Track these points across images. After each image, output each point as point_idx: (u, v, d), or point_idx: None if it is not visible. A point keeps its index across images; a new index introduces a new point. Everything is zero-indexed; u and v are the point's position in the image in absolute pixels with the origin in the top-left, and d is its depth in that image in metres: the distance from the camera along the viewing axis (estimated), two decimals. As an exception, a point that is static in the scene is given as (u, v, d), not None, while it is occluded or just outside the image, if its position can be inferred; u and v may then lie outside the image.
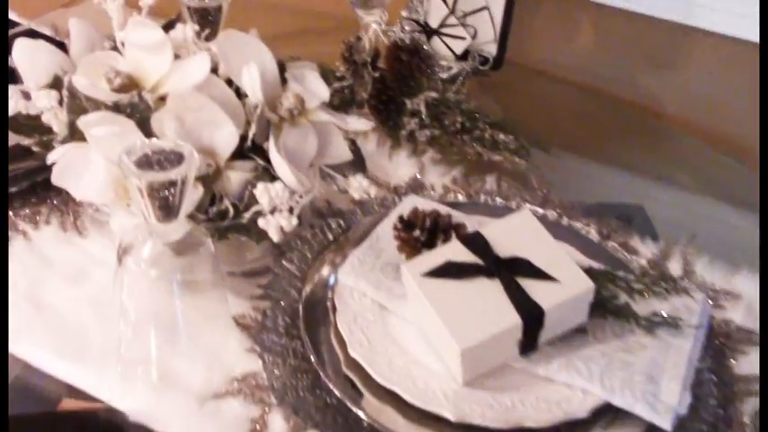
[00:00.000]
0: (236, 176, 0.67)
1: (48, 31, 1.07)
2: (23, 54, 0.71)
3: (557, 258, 0.62)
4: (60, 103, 0.67)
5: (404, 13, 0.98)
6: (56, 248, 0.74)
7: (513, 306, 0.59)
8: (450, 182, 0.85)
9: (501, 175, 0.86)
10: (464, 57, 0.96)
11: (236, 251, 0.72)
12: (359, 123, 0.73)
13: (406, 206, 0.74)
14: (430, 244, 0.65)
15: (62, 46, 0.82)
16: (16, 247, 0.74)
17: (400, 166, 0.88)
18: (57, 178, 0.65)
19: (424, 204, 0.73)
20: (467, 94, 0.96)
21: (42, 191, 0.81)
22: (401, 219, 0.67)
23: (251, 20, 0.95)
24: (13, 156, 0.78)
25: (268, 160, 0.67)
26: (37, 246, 0.75)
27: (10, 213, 0.78)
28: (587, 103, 1.05)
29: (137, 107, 0.66)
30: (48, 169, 0.68)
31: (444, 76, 0.96)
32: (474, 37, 0.94)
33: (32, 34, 0.86)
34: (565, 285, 0.60)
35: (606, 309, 0.64)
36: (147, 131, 0.65)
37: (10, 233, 0.76)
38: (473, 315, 0.59)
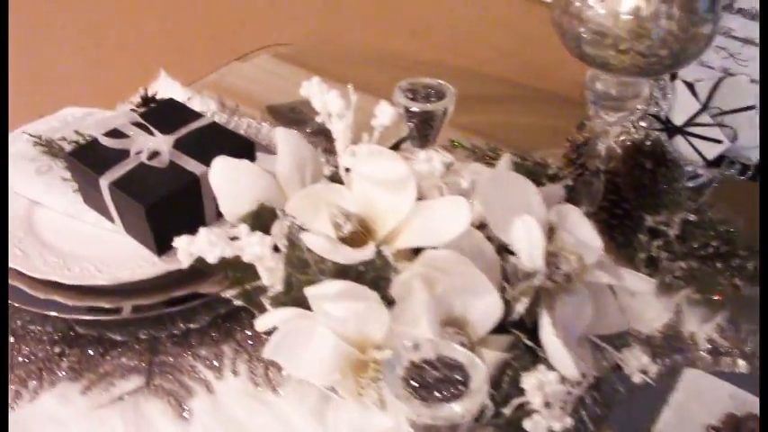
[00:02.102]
0: (491, 357, 0.52)
1: (211, 104, 0.95)
2: (223, 178, 0.58)
3: None
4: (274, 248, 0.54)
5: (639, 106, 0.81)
6: (247, 411, 0.61)
7: None
8: (716, 331, 0.68)
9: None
10: (716, 163, 0.78)
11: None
12: (640, 282, 0.56)
13: (689, 390, 0.58)
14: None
15: (246, 142, 0.70)
16: (199, 404, 0.61)
17: (648, 307, 0.71)
18: (272, 352, 0.51)
19: (716, 387, 0.57)
20: (711, 207, 0.79)
21: (224, 322, 0.68)
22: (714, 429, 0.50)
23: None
24: (186, 279, 0.66)
25: (531, 335, 0.52)
26: (223, 404, 0.62)
27: (187, 354, 0.65)
28: None
29: (372, 264, 0.51)
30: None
31: (689, 184, 0.79)
32: (733, 140, 0.77)
33: (216, 129, 0.73)
34: None
35: None
36: (382, 293, 0.51)
37: (191, 383, 0.63)
38: None
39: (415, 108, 0.65)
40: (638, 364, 0.55)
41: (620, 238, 0.77)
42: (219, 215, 0.70)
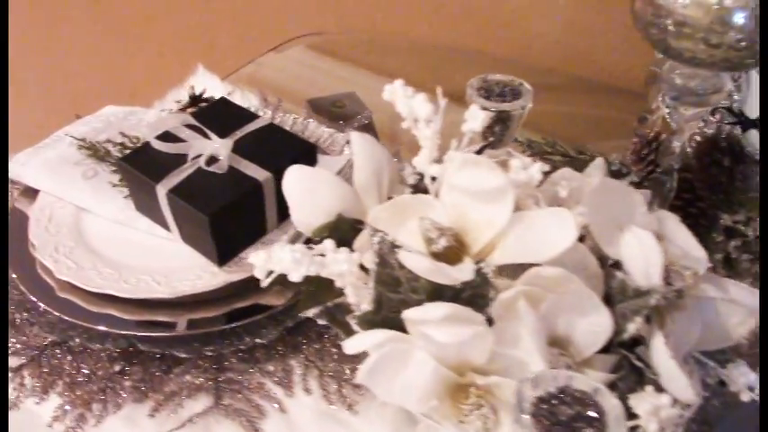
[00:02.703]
0: (596, 378, 0.49)
1: (252, 99, 0.92)
2: (298, 188, 0.54)
3: None
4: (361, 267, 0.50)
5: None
6: (323, 433, 0.58)
7: None
8: (805, 339, 0.65)
9: None
10: (794, 157, 0.75)
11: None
12: (746, 294, 0.53)
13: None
14: None
15: (308, 145, 0.66)
16: (273, 426, 0.58)
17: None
18: (365, 376, 0.48)
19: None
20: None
21: (289, 335, 0.65)
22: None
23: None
24: (247, 290, 0.63)
25: (635, 353, 0.49)
26: (298, 425, 0.58)
27: (254, 370, 0.62)
28: None
29: (470, 282, 0.48)
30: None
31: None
32: (814, 134, 0.73)
33: (274, 131, 0.69)
34: None
35: None
36: (479, 312, 0.48)
37: (261, 402, 0.60)
38: None
39: (491, 107, 0.61)
40: (744, 380, 0.52)
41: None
42: (280, 221, 0.67)
